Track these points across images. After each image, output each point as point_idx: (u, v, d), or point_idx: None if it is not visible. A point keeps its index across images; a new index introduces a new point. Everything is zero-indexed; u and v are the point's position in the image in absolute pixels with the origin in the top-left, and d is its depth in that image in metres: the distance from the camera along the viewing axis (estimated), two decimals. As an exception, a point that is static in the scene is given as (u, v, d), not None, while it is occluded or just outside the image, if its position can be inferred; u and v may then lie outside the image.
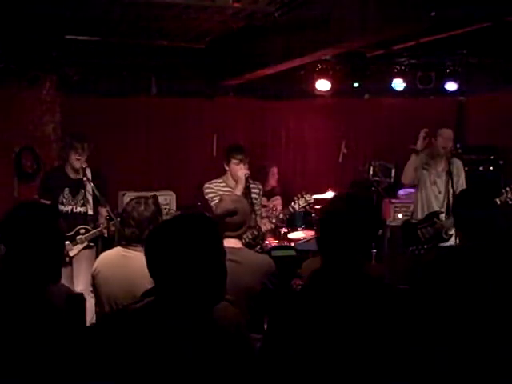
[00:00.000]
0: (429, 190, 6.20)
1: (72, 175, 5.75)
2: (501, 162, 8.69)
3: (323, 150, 9.64)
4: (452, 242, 5.91)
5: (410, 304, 2.43)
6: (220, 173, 5.67)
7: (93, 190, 5.55)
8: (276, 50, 6.40)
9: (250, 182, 5.54)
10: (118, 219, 4.45)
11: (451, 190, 5.96)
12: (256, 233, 5.27)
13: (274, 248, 6.84)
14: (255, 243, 5.28)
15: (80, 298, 3.01)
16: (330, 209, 2.42)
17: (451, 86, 8.58)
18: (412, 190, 6.86)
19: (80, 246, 5.58)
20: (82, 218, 5.68)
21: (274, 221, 5.69)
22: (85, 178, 5.59)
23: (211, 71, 7.94)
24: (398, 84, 8.41)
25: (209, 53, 7.18)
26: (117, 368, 2.04)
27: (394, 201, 8.27)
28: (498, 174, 8.60)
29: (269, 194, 7.55)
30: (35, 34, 6.25)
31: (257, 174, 7.39)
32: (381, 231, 8.30)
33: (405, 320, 2.30)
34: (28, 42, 6.52)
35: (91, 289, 3.86)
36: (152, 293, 2.21)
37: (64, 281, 4.59)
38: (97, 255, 4.81)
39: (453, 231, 5.93)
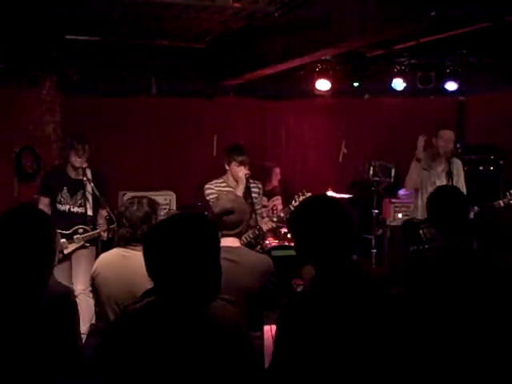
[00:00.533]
0: (429, 191, 6.19)
1: (72, 175, 5.75)
2: (501, 162, 8.69)
3: (323, 149, 9.65)
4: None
5: (403, 305, 2.43)
6: (220, 173, 5.67)
7: (93, 190, 5.55)
8: (276, 50, 6.40)
9: (250, 181, 5.53)
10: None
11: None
12: (257, 232, 5.27)
13: (275, 248, 6.85)
14: (256, 243, 5.29)
15: (66, 298, 3.01)
16: (300, 216, 2.43)
17: (451, 86, 8.58)
18: (412, 191, 6.86)
19: (76, 245, 5.58)
20: (80, 218, 5.67)
21: (275, 220, 5.67)
22: (85, 178, 5.59)
23: (211, 71, 7.94)
24: (398, 84, 8.41)
25: (209, 53, 7.18)
26: (118, 369, 2.04)
27: (393, 201, 8.28)
28: (498, 174, 8.60)
29: (269, 194, 7.56)
30: (35, 33, 6.24)
31: (260, 173, 7.42)
32: (381, 231, 8.31)
33: (399, 321, 2.30)
34: (28, 42, 6.52)
35: (90, 288, 3.86)
36: (152, 293, 2.21)
37: (62, 278, 4.62)
38: (97, 256, 4.80)
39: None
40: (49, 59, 7.10)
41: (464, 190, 6.12)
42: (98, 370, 2.11)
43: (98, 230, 5.56)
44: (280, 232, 7.25)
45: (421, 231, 6.06)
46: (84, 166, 5.61)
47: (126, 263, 3.57)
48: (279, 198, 7.66)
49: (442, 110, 9.31)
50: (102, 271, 3.65)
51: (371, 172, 9.05)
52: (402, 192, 8.35)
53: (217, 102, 8.72)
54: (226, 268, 3.58)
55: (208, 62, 7.68)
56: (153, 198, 3.90)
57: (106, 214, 5.40)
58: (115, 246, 3.81)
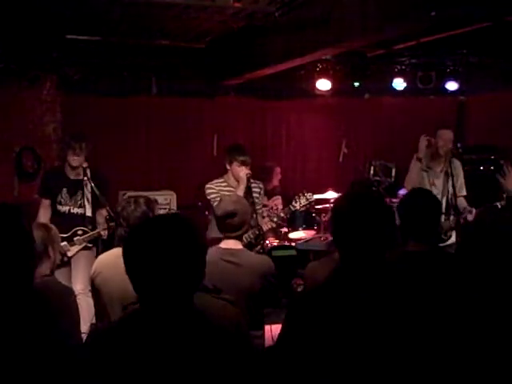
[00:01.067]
0: None
1: (71, 176, 5.74)
2: (501, 162, 8.67)
3: (323, 149, 9.65)
4: (451, 241, 5.90)
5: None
6: (220, 172, 5.66)
7: (93, 190, 5.55)
8: (276, 49, 6.40)
9: (252, 181, 5.52)
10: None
11: (450, 191, 5.95)
12: (257, 232, 5.27)
13: (275, 248, 6.85)
14: (256, 243, 5.29)
15: (66, 298, 3.00)
16: (355, 206, 2.37)
17: (451, 86, 8.58)
18: (411, 190, 6.85)
19: (78, 247, 5.58)
20: (80, 218, 5.66)
21: (275, 220, 5.67)
22: (85, 178, 5.59)
23: (211, 71, 7.94)
24: (399, 84, 8.41)
25: (209, 52, 7.18)
26: (114, 372, 2.02)
27: (394, 200, 8.26)
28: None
29: (270, 194, 7.58)
30: (35, 33, 6.24)
31: (261, 173, 7.44)
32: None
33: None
34: (28, 42, 6.52)
35: (89, 288, 3.85)
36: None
37: (61, 279, 4.62)
38: (97, 256, 4.80)
39: (452, 232, 5.93)
40: (49, 59, 7.11)
41: (463, 190, 6.11)
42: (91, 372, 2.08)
43: (98, 230, 5.56)
44: (280, 232, 7.26)
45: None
46: (84, 165, 5.60)
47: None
48: (279, 197, 7.67)
49: (443, 110, 9.31)
50: (102, 271, 3.64)
51: (372, 172, 9.07)
52: (402, 192, 8.34)
53: (217, 101, 8.73)
54: (228, 270, 3.62)
55: (208, 61, 7.69)
56: (151, 197, 3.90)
57: (106, 213, 5.40)
58: (115, 246, 3.81)
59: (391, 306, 2.23)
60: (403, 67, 8.26)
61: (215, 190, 5.45)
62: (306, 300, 2.40)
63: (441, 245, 5.94)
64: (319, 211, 7.37)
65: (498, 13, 5.03)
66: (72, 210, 5.72)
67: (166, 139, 8.58)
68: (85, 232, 5.61)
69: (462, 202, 5.94)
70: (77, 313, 3.33)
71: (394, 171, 9.06)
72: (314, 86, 8.23)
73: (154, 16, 5.61)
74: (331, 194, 7.30)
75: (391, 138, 9.53)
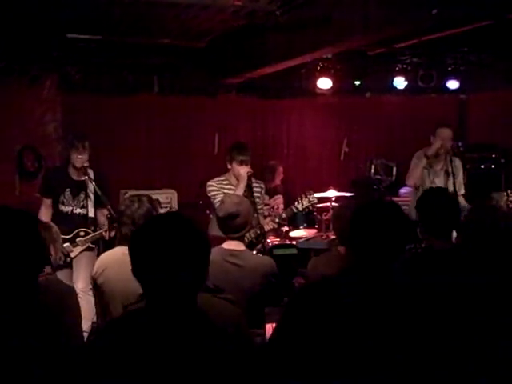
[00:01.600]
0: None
1: (74, 176, 5.73)
2: (502, 161, 8.68)
3: (324, 148, 9.64)
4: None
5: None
6: (222, 171, 5.66)
7: (94, 190, 5.55)
8: (277, 48, 6.40)
9: (253, 180, 5.51)
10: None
11: (450, 189, 5.94)
12: (258, 232, 5.26)
13: (276, 246, 6.84)
14: (258, 242, 5.29)
15: (67, 297, 3.00)
16: (377, 212, 2.41)
17: (453, 84, 8.58)
18: (412, 187, 6.85)
19: (81, 248, 5.57)
20: (82, 219, 5.66)
21: (277, 220, 5.66)
22: (86, 177, 5.59)
23: (213, 70, 7.94)
24: (400, 82, 8.41)
25: (210, 51, 7.18)
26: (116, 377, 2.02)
27: (395, 199, 8.26)
28: (499, 173, 8.59)
29: (271, 193, 7.58)
30: (36, 32, 6.25)
31: (264, 172, 7.45)
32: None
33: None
34: (29, 41, 6.52)
35: (91, 287, 3.85)
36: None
37: (63, 278, 4.62)
38: (98, 256, 4.80)
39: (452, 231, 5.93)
40: (50, 58, 7.11)
41: (462, 189, 6.11)
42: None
43: (100, 231, 5.55)
44: (281, 230, 7.25)
45: (418, 229, 6.04)
46: (85, 164, 5.60)
47: (129, 261, 3.57)
48: (281, 196, 7.67)
49: (444, 109, 9.30)
50: (104, 270, 3.64)
51: (373, 170, 9.06)
52: (403, 190, 8.34)
53: (218, 100, 8.72)
54: (230, 271, 3.63)
55: (209, 60, 7.69)
56: (153, 196, 3.91)
57: (107, 212, 5.40)
58: (117, 245, 3.81)
59: (395, 312, 2.24)
60: (404, 66, 8.25)
61: (216, 187, 5.45)
62: (303, 296, 2.40)
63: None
64: (320, 210, 7.37)
65: (499, 11, 5.02)
66: (74, 211, 5.72)
67: (167, 138, 8.57)
68: (87, 233, 5.61)
69: (461, 201, 5.94)
70: (78, 311, 3.33)
71: (394, 170, 9.05)
72: (315, 84, 8.22)
73: (155, 15, 5.61)
74: (332, 193, 7.29)
75: (392, 136, 9.52)
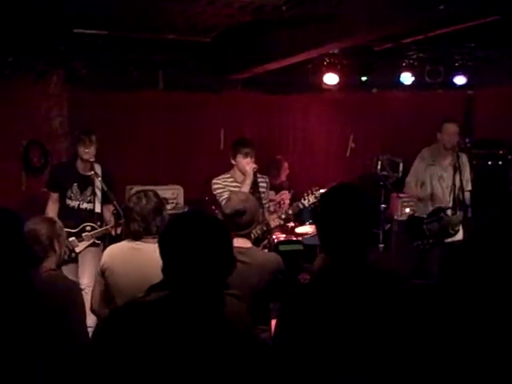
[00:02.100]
0: (435, 185, 6.17)
1: (82, 171, 5.75)
2: (509, 157, 8.64)
3: (331, 144, 9.63)
4: (459, 237, 5.89)
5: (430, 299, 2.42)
6: (227, 167, 5.65)
7: (101, 185, 5.56)
8: (283, 43, 6.38)
9: (258, 175, 5.51)
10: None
11: (458, 185, 5.93)
12: (264, 228, 5.27)
13: (282, 242, 6.85)
14: (263, 238, 5.29)
15: (72, 292, 3.00)
16: (333, 202, 2.40)
17: (460, 80, 8.54)
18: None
19: (86, 243, 5.58)
20: (89, 214, 5.68)
21: (283, 217, 5.67)
22: (92, 172, 5.60)
23: (218, 65, 7.92)
24: (407, 78, 8.37)
25: (216, 47, 7.16)
26: (127, 363, 2.03)
27: (401, 195, 8.24)
28: (507, 169, 8.56)
29: (277, 188, 7.57)
30: (43, 28, 6.24)
31: (269, 167, 7.44)
32: (389, 225, 8.30)
33: (414, 315, 2.29)
34: (36, 37, 6.52)
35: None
36: (160, 287, 2.21)
37: (69, 273, 4.64)
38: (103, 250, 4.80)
39: (460, 227, 5.91)
40: (56, 53, 7.10)
41: (469, 185, 6.10)
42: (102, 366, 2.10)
43: (107, 227, 5.56)
44: (287, 226, 7.25)
45: (424, 226, 6.05)
46: (91, 159, 5.61)
47: (138, 256, 3.57)
48: (287, 192, 7.67)
49: (451, 104, 9.26)
50: (111, 263, 3.64)
51: (379, 166, 9.03)
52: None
53: (224, 96, 8.71)
54: (237, 269, 3.61)
55: (215, 56, 7.67)
56: (159, 192, 3.92)
57: (113, 208, 5.40)
58: (124, 240, 3.81)
59: (376, 301, 2.24)
60: (411, 61, 8.22)
61: (222, 185, 5.44)
62: (295, 299, 2.42)
63: (448, 240, 5.94)
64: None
65: (506, 6, 4.98)
66: (81, 206, 5.74)
67: (172, 133, 8.57)
68: (93, 228, 5.62)
69: (466, 197, 5.93)
70: (83, 307, 3.34)
71: (401, 166, 9.01)
72: (322, 80, 8.20)
73: (161, 10, 5.59)
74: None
75: (399, 132, 9.50)
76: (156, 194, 3.75)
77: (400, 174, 8.97)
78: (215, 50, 7.35)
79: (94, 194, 5.69)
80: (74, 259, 5.51)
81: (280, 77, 8.28)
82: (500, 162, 8.65)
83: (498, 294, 2.50)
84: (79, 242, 5.55)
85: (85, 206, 5.73)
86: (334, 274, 2.32)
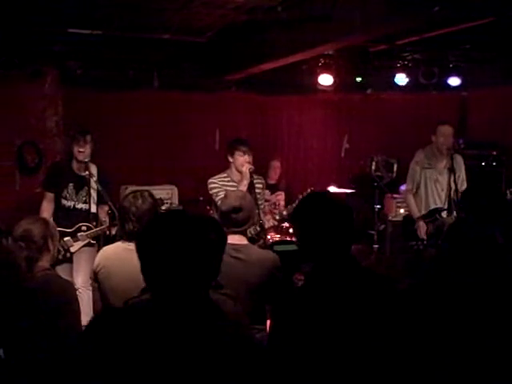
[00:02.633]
0: (430, 188, 6.18)
1: (77, 171, 5.74)
2: (503, 158, 8.66)
3: (325, 144, 9.63)
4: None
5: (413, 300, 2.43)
6: (222, 167, 5.65)
7: (96, 186, 5.55)
8: (278, 44, 6.39)
9: (254, 176, 5.52)
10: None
11: (453, 187, 5.94)
12: (259, 228, 5.27)
13: (276, 243, 6.84)
14: (258, 238, 5.29)
15: (66, 291, 3.00)
16: (301, 211, 2.44)
17: (454, 81, 8.56)
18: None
19: (81, 243, 5.57)
20: (84, 214, 5.66)
21: (278, 218, 5.67)
22: (87, 172, 5.59)
23: (213, 65, 7.92)
24: (401, 79, 8.39)
25: (211, 47, 7.16)
26: (115, 368, 2.01)
27: (396, 196, 8.27)
28: (501, 170, 8.58)
29: (273, 189, 7.57)
30: (37, 27, 6.23)
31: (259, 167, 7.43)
32: (383, 226, 8.31)
33: (406, 316, 2.30)
34: (30, 36, 6.50)
35: (90, 282, 3.84)
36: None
37: (63, 273, 4.62)
38: (98, 251, 4.80)
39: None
40: (51, 53, 7.09)
41: (464, 185, 6.11)
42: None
43: (102, 227, 5.55)
44: (282, 227, 7.25)
45: (416, 227, 6.08)
46: (86, 159, 5.60)
47: (131, 256, 3.56)
48: (282, 193, 7.66)
49: (445, 105, 9.29)
50: (105, 265, 3.63)
51: (373, 167, 9.04)
52: (404, 187, 8.33)
53: (219, 96, 8.71)
54: (233, 266, 3.62)
55: (210, 56, 7.67)
56: (153, 192, 3.92)
57: (108, 208, 5.40)
58: (118, 241, 3.81)
59: (364, 301, 2.25)
60: (406, 62, 8.24)
61: (218, 184, 5.44)
62: (285, 304, 2.43)
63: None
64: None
65: (500, 8, 5.00)
66: (77, 206, 5.72)
67: (167, 133, 8.56)
68: (89, 228, 5.60)
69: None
70: (77, 306, 3.34)
71: (395, 167, 9.04)
72: (316, 80, 8.21)
73: (156, 10, 5.59)
74: (333, 189, 7.29)
75: (393, 133, 9.51)
76: (151, 195, 3.75)
77: (394, 175, 8.99)
78: (210, 50, 7.35)
79: (89, 194, 5.67)
80: (68, 259, 5.49)
81: (275, 77, 8.28)
82: (494, 164, 8.66)
83: (481, 297, 2.51)
84: (74, 241, 5.53)
85: (80, 206, 5.71)
86: (324, 277, 2.33)
